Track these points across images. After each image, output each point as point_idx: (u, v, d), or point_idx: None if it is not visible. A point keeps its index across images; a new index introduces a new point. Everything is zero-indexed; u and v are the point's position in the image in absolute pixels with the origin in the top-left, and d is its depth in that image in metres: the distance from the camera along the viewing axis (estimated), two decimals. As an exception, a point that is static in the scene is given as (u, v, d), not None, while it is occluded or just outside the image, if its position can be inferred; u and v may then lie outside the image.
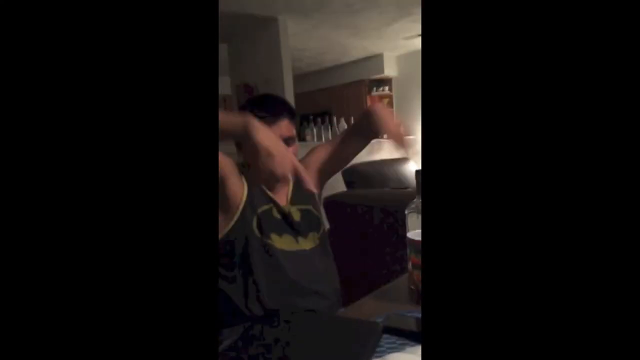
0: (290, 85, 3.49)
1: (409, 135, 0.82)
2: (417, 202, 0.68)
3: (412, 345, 0.54)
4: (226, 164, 0.84)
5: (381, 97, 5.17)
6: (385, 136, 0.89)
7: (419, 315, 0.61)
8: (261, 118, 0.86)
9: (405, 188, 2.28)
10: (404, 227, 0.71)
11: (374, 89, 5.25)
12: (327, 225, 2.03)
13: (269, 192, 0.90)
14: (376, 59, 5.05)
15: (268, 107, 0.89)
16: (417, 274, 0.67)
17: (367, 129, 1.01)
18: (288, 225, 0.89)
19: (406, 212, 0.70)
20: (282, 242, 0.87)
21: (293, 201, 0.93)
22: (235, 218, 0.85)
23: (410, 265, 0.69)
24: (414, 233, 0.68)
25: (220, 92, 5.21)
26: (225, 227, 0.85)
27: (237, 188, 0.86)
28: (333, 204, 1.95)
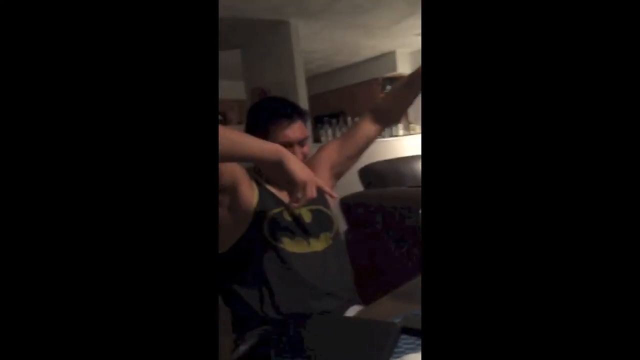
0: (303, 87, 3.51)
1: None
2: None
3: (430, 345, 0.55)
4: (237, 170, 0.85)
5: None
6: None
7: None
8: (277, 123, 0.88)
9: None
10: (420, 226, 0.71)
11: (387, 87, 5.22)
12: (342, 225, 2.03)
13: (279, 195, 0.91)
14: (388, 57, 5.02)
15: (281, 111, 0.90)
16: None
17: (381, 118, 1.01)
18: (299, 227, 0.90)
19: (420, 211, 0.70)
20: (294, 245, 0.87)
21: None
22: (248, 223, 0.86)
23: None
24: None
25: (235, 97, 5.27)
26: (237, 232, 0.85)
27: (249, 193, 0.87)
28: (350, 205, 1.95)
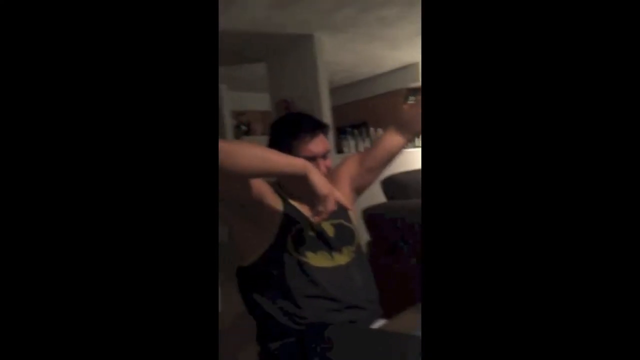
0: (326, 98, 3.55)
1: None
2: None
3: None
4: (261, 184, 0.87)
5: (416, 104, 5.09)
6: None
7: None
8: (299, 138, 0.90)
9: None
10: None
11: (410, 98, 5.20)
12: (365, 236, 2.03)
13: (302, 210, 0.93)
14: (411, 69, 5.01)
15: (303, 126, 0.92)
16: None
17: (403, 131, 1.03)
18: (322, 241, 0.91)
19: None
20: (318, 260, 0.88)
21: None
22: (273, 237, 0.87)
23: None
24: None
25: (259, 109, 5.37)
26: (262, 246, 0.87)
27: (274, 207, 0.88)
28: (372, 216, 1.95)
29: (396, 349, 0.65)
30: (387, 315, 0.95)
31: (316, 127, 0.93)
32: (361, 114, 5.55)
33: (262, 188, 0.86)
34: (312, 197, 0.75)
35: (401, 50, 4.24)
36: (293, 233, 0.88)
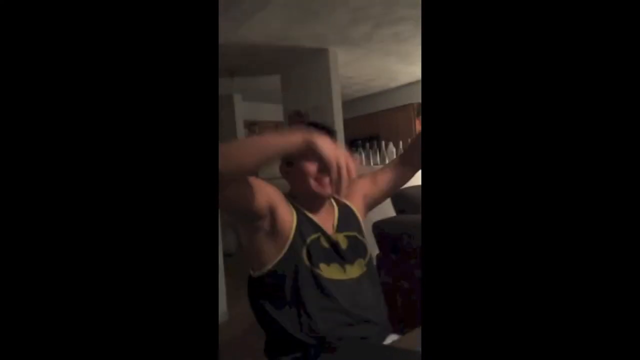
0: (339, 111, 3.59)
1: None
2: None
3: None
4: (275, 193, 0.87)
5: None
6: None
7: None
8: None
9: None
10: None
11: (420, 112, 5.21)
12: (375, 250, 2.02)
13: (316, 220, 0.93)
14: (425, 83, 5.03)
15: (312, 128, 0.93)
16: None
17: (412, 161, 1.03)
18: (336, 253, 0.91)
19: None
20: (331, 272, 0.88)
21: (339, 229, 0.95)
22: (286, 247, 0.86)
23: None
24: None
25: (273, 119, 5.42)
26: (276, 256, 0.86)
27: (287, 217, 0.88)
28: (381, 230, 1.95)
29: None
30: (394, 328, 0.94)
31: (321, 130, 0.93)
32: (373, 127, 5.57)
33: (274, 197, 0.86)
34: (325, 169, 0.71)
35: (414, 65, 4.27)
36: (307, 244, 0.88)
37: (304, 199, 0.94)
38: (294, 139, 0.72)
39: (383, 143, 4.86)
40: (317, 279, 0.86)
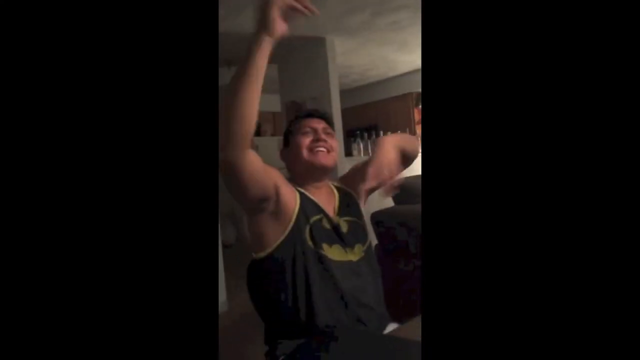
0: (337, 101, 3.57)
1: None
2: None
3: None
4: (278, 175, 0.88)
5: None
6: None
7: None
8: (297, 120, 0.99)
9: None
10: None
11: (420, 101, 5.20)
12: (374, 239, 2.03)
13: (318, 202, 0.93)
14: (423, 73, 5.00)
15: (301, 114, 1.02)
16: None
17: (404, 156, 1.04)
18: (337, 235, 0.91)
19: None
20: (333, 252, 0.89)
21: (340, 213, 0.96)
22: (289, 228, 0.87)
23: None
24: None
25: (270, 110, 5.39)
26: (279, 236, 0.87)
27: (290, 197, 0.89)
28: (379, 220, 1.95)
29: (404, 355, 0.65)
30: (397, 320, 0.95)
31: (313, 112, 1.01)
32: (371, 116, 5.56)
33: (278, 179, 0.87)
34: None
35: (412, 54, 4.24)
36: (310, 223, 0.88)
37: (303, 179, 0.95)
38: (256, 41, 0.75)
39: (381, 133, 4.85)
40: (320, 258, 0.86)
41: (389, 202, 2.32)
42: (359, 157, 4.57)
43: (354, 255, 0.92)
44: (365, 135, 4.93)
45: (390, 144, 0.94)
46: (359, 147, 4.72)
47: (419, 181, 2.69)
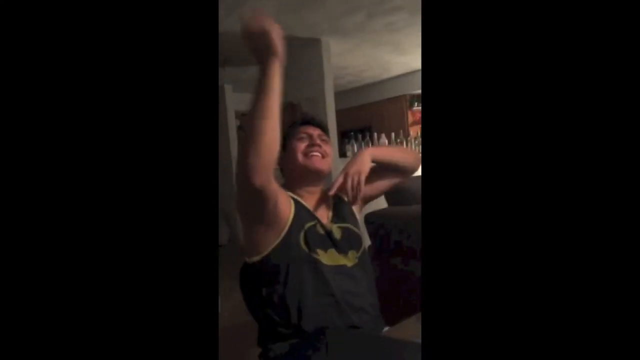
0: (332, 102, 3.57)
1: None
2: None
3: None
4: (274, 185, 0.88)
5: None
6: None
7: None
8: (292, 126, 1.01)
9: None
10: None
11: (415, 103, 5.22)
12: (368, 242, 2.03)
13: (312, 210, 0.94)
14: (417, 74, 5.03)
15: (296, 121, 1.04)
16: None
17: (393, 170, 1.06)
18: (331, 241, 0.92)
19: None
20: (328, 258, 0.89)
21: (334, 220, 0.97)
22: (283, 234, 0.88)
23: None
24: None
25: (264, 110, 5.37)
26: (273, 242, 0.87)
27: (286, 204, 0.90)
28: (373, 222, 1.96)
29: (396, 355, 0.65)
30: (386, 321, 0.95)
31: (316, 125, 1.03)
32: (366, 118, 5.57)
33: (277, 190, 0.87)
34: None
35: (407, 56, 4.26)
36: (305, 229, 0.89)
37: (298, 184, 0.96)
38: (274, 74, 0.81)
39: (375, 134, 4.86)
40: (313, 263, 0.87)
41: (382, 204, 2.32)
42: (353, 158, 4.57)
43: (348, 260, 0.93)
44: (360, 136, 4.94)
45: (368, 155, 0.99)
46: (353, 148, 4.72)
47: (413, 183, 2.70)
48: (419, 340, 0.63)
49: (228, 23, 2.99)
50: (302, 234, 0.88)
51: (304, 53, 3.59)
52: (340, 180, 0.95)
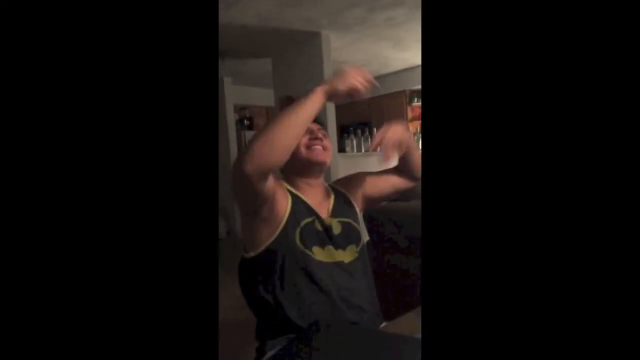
0: (331, 97, 3.56)
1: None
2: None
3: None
4: (275, 179, 0.88)
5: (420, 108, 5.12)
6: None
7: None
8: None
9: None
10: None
11: (415, 99, 5.21)
12: (367, 237, 2.03)
13: (311, 204, 0.94)
14: (417, 70, 5.02)
15: None
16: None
17: (408, 170, 1.06)
18: (329, 237, 0.92)
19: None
20: (324, 255, 0.89)
21: (334, 214, 0.97)
22: (278, 230, 0.88)
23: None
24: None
25: (264, 104, 5.37)
26: (268, 239, 0.87)
27: (282, 201, 0.90)
28: (372, 218, 1.96)
29: (395, 351, 0.65)
30: (387, 317, 0.95)
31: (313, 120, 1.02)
32: (364, 113, 5.56)
33: (274, 183, 0.87)
34: (348, 89, 0.84)
35: (407, 51, 4.24)
36: (301, 226, 0.89)
37: (299, 176, 0.96)
38: (313, 98, 0.81)
39: (375, 130, 4.86)
40: (308, 261, 0.87)
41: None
42: (352, 152, 4.57)
43: (346, 256, 0.93)
44: (359, 131, 4.93)
45: (406, 131, 1.00)
46: (352, 143, 4.72)
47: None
48: (419, 336, 0.64)
49: (228, 16, 2.96)
50: (297, 231, 0.88)
51: (304, 47, 3.58)
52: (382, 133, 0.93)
